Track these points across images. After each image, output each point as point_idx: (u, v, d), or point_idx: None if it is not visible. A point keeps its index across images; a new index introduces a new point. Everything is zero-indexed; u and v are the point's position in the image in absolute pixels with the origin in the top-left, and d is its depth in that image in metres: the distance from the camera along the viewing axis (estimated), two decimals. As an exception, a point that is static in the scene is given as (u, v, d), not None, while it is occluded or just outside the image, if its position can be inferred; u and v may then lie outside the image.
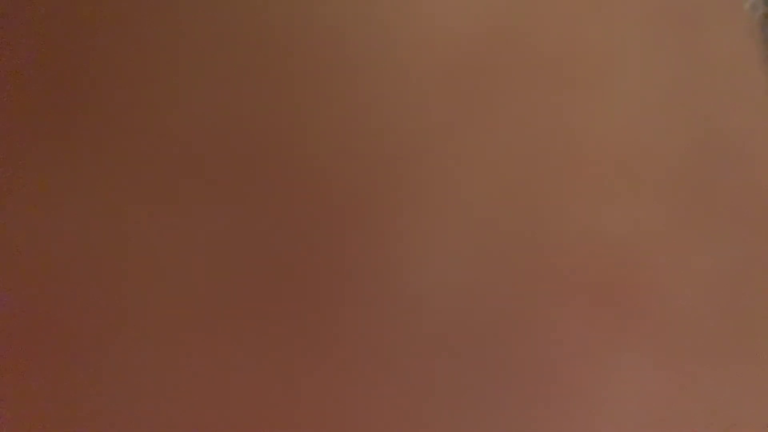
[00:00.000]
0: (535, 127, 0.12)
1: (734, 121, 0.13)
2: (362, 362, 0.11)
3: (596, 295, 0.12)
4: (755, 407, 0.13)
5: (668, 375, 0.12)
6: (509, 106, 0.12)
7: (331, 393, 0.11)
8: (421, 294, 0.12)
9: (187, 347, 0.11)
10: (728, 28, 0.14)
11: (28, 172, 0.12)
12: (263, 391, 0.11)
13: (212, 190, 0.11)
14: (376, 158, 0.12)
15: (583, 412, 0.12)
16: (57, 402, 0.11)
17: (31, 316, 0.11)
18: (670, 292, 0.12)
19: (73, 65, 0.12)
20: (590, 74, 0.12)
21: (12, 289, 0.11)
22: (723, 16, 0.14)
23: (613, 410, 0.12)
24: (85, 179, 0.12)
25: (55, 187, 0.12)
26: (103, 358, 0.11)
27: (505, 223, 0.12)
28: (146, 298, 0.11)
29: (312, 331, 0.11)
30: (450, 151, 0.12)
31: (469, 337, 0.12)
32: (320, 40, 0.12)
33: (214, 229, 0.11)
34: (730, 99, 0.13)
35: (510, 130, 0.12)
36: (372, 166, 0.12)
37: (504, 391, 0.12)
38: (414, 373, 0.12)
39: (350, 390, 0.11)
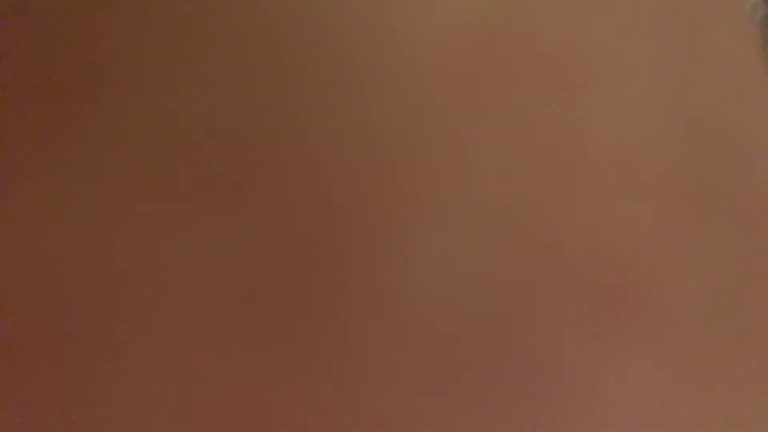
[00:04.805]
0: (535, 127, 0.12)
1: (735, 122, 0.13)
2: (364, 362, 0.11)
3: (597, 295, 0.12)
4: (757, 408, 0.13)
5: (670, 376, 0.12)
6: (509, 105, 0.12)
7: (333, 393, 0.11)
8: (424, 296, 0.12)
9: (187, 350, 0.11)
10: (729, 28, 0.14)
11: (29, 174, 0.12)
12: (266, 392, 0.11)
13: (213, 191, 0.11)
14: (377, 159, 0.12)
15: (585, 413, 0.12)
16: (57, 404, 0.11)
17: (31, 318, 0.11)
18: (672, 293, 0.12)
19: (75, 66, 0.12)
20: (590, 74, 0.12)
21: (12, 290, 0.11)
22: (724, 16, 0.14)
23: (615, 411, 0.12)
24: (87, 181, 0.12)
25: (55, 189, 0.12)
26: (103, 360, 0.11)
27: (506, 224, 0.12)
28: (146, 300, 0.11)
29: (314, 332, 0.11)
30: (449, 153, 0.12)
31: (471, 338, 0.12)
32: (320, 39, 0.12)
33: (215, 229, 0.11)
34: (731, 99, 0.13)
35: (510, 130, 0.12)
36: (373, 167, 0.12)
37: (506, 392, 0.12)
38: (416, 375, 0.12)
39: (352, 390, 0.11)
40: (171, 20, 0.12)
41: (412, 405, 0.11)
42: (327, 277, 0.11)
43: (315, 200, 0.11)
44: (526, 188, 0.12)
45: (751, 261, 0.13)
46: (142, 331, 0.11)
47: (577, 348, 0.12)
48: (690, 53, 0.13)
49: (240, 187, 0.11)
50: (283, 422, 0.11)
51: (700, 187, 0.13)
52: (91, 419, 0.11)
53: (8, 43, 0.12)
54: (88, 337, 0.11)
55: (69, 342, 0.11)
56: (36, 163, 0.12)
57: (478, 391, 0.12)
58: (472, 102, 0.12)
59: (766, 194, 0.13)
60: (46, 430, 0.11)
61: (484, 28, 0.12)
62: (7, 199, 0.12)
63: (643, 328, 0.12)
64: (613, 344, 0.12)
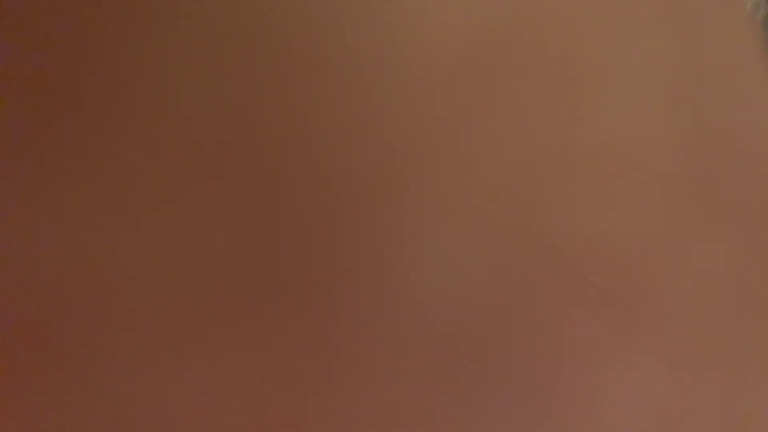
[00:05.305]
0: (537, 126, 0.12)
1: (736, 121, 0.13)
2: (366, 363, 0.11)
3: (599, 295, 0.12)
4: (761, 407, 0.13)
5: (672, 375, 0.12)
6: (511, 105, 0.12)
7: (334, 394, 0.11)
8: (425, 296, 0.12)
9: (189, 350, 0.11)
10: (730, 28, 0.14)
11: (29, 174, 0.12)
12: (267, 393, 0.11)
13: (214, 191, 0.11)
14: (379, 159, 0.12)
15: (587, 414, 0.12)
16: (57, 405, 0.11)
17: (31, 320, 0.11)
18: (674, 292, 0.12)
19: (76, 66, 0.12)
20: (592, 74, 0.12)
21: (12, 292, 0.11)
22: (725, 15, 0.14)
23: (618, 412, 0.12)
24: (87, 181, 0.11)
25: (55, 189, 0.12)
26: (104, 363, 0.11)
27: (508, 224, 0.12)
28: (147, 301, 0.11)
29: (315, 333, 0.11)
30: (451, 152, 0.12)
31: (473, 339, 0.12)
32: (322, 39, 0.12)
33: (216, 230, 0.11)
34: (731, 99, 0.13)
35: (512, 130, 0.12)
36: (374, 167, 0.12)
37: (508, 393, 0.12)
38: (417, 376, 0.12)
39: (354, 391, 0.11)
40: (174, 20, 0.12)
41: (412, 404, 0.11)
42: (327, 276, 0.11)
43: (315, 200, 0.11)
44: (527, 188, 0.12)
45: (753, 260, 0.13)
46: (142, 332, 0.11)
47: (579, 347, 0.12)
48: (691, 53, 0.13)
49: (241, 188, 0.11)
50: (284, 422, 0.11)
51: (701, 187, 0.13)
52: (92, 420, 0.11)
53: (9, 42, 0.12)
54: (88, 337, 0.11)
55: (69, 342, 0.11)
56: (36, 163, 0.12)
57: (480, 390, 0.12)
58: (473, 102, 0.12)
59: (767, 194, 0.13)
60: (47, 430, 0.11)
61: (485, 27, 0.12)
62: (8, 200, 0.11)
63: (645, 327, 0.12)
64: (615, 344, 0.12)
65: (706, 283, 0.12)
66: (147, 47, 0.12)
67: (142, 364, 0.11)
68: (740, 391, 0.13)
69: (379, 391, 0.11)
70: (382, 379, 0.11)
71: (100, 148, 0.12)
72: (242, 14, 0.12)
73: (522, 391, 0.12)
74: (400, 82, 0.12)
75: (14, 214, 0.11)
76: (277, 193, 0.11)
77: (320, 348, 0.11)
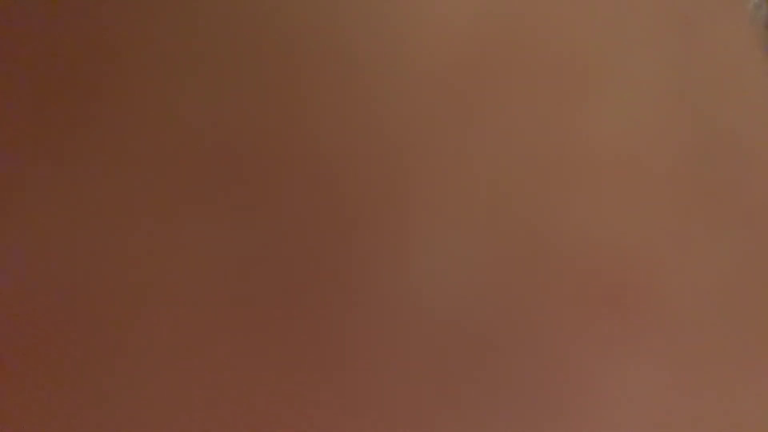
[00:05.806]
0: (537, 126, 0.12)
1: (736, 122, 0.13)
2: (369, 363, 0.11)
3: (600, 295, 0.12)
4: (758, 409, 0.13)
5: (673, 375, 0.12)
6: (512, 106, 0.12)
7: (338, 394, 0.11)
8: (426, 297, 0.12)
9: (192, 351, 0.11)
10: (731, 28, 0.14)
11: (31, 177, 0.12)
12: (269, 393, 0.11)
13: (216, 192, 0.11)
14: (380, 159, 0.12)
15: (587, 415, 0.12)
16: (59, 409, 0.11)
17: (32, 323, 0.11)
18: (673, 294, 0.12)
19: (79, 70, 0.12)
20: (593, 74, 0.12)
21: (15, 294, 0.11)
22: (725, 15, 0.14)
23: (616, 412, 0.12)
24: (91, 182, 0.12)
25: (58, 194, 0.12)
26: (105, 364, 0.11)
27: (509, 224, 0.12)
28: (149, 302, 0.11)
29: (319, 334, 0.11)
30: (452, 153, 0.12)
31: (474, 339, 0.12)
32: (324, 40, 0.12)
33: (219, 232, 0.11)
34: (732, 99, 0.13)
35: (512, 131, 0.12)
36: (375, 167, 0.12)
37: (509, 392, 0.12)
38: (419, 376, 0.12)
39: (356, 390, 0.11)
40: (179, 21, 0.12)
41: (415, 403, 0.11)
42: (329, 277, 0.11)
43: (317, 201, 0.12)
44: (528, 188, 0.12)
45: (753, 261, 0.13)
46: (144, 333, 0.11)
47: (578, 348, 0.12)
48: (691, 54, 0.13)
49: (243, 188, 0.12)
50: (286, 423, 0.11)
51: (701, 188, 0.13)
52: (92, 421, 0.11)
53: (12, 42, 0.12)
54: (91, 338, 0.11)
55: (72, 344, 0.11)
56: (39, 166, 0.12)
57: (481, 390, 0.12)
58: (475, 102, 0.12)
59: (767, 194, 0.13)
60: (48, 430, 0.11)
61: (486, 28, 0.12)
62: (11, 200, 0.12)
63: (645, 328, 0.12)
64: (615, 344, 0.12)
65: (707, 283, 0.12)
66: (148, 49, 0.12)
67: (143, 365, 0.11)
68: (741, 391, 0.13)
69: (381, 390, 0.11)
70: (384, 378, 0.11)
71: (102, 150, 0.12)
72: (243, 16, 0.12)
73: (523, 391, 0.12)
74: (401, 83, 0.12)
75: (17, 216, 0.12)
76: (279, 193, 0.12)
77: (323, 348, 0.11)
